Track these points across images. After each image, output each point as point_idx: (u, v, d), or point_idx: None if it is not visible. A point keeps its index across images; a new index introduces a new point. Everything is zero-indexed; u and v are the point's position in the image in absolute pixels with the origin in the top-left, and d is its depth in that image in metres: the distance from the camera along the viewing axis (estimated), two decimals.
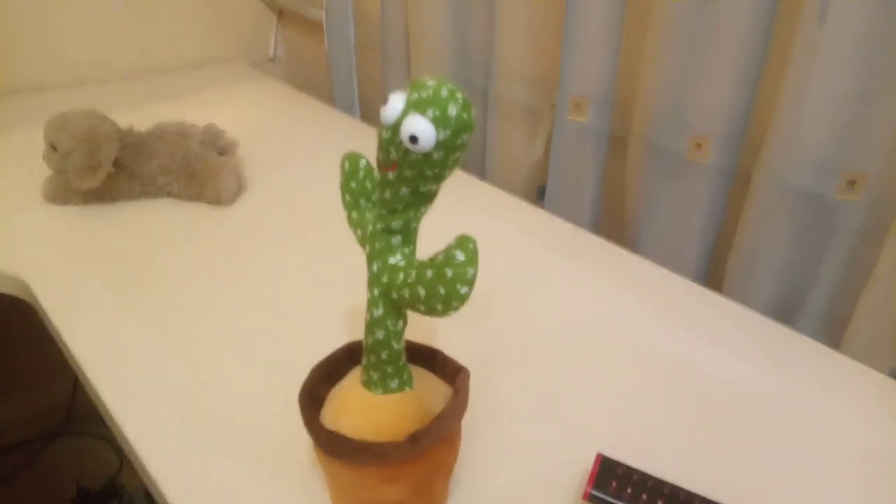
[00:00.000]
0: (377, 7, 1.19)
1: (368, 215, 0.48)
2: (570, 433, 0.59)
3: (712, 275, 0.87)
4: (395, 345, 0.46)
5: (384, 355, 0.46)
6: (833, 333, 0.77)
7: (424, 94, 0.39)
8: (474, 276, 0.39)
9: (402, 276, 0.43)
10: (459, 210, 0.94)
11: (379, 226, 0.44)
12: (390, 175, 0.41)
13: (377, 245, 0.45)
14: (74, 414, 1.57)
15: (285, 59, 1.60)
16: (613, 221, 0.97)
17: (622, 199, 0.92)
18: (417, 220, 0.44)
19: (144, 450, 0.57)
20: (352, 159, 0.49)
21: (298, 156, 1.09)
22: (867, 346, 0.71)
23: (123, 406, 0.61)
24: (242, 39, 1.53)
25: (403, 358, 0.48)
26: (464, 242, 0.40)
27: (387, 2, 1.14)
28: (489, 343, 0.70)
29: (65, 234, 0.86)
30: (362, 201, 0.48)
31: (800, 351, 0.70)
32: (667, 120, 0.81)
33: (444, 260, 0.40)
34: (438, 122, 0.38)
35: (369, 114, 1.38)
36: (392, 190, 0.42)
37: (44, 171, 0.93)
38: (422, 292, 0.41)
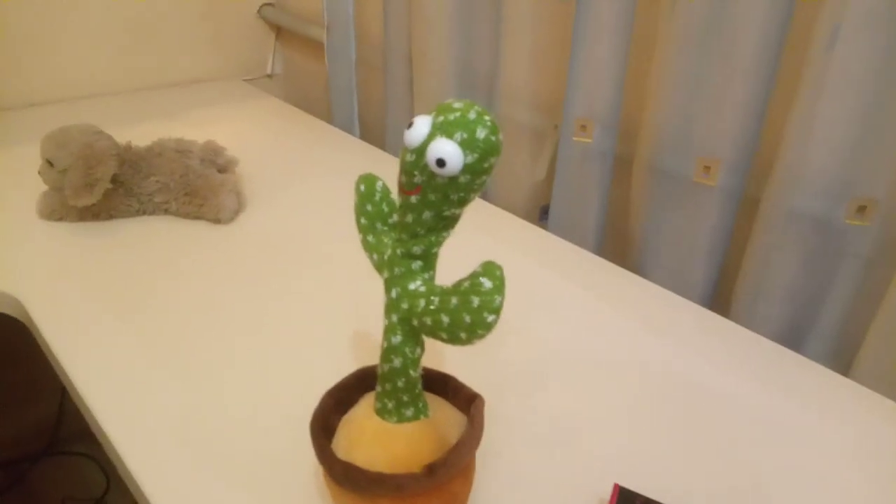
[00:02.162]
0: (379, 27, 1.18)
1: (386, 239, 0.47)
2: (583, 461, 0.58)
3: (719, 299, 0.87)
4: (412, 372, 0.45)
5: (400, 383, 0.45)
6: (842, 359, 0.76)
7: (452, 117, 0.38)
8: (501, 304, 0.38)
9: (423, 302, 0.42)
10: (461, 230, 0.92)
11: (399, 250, 0.43)
12: (413, 199, 0.40)
13: (396, 270, 0.44)
14: (61, 433, 1.53)
15: (283, 77, 1.59)
16: (618, 244, 0.97)
17: (627, 222, 0.92)
18: (439, 244, 0.43)
19: (143, 478, 0.55)
20: (368, 181, 0.48)
21: (298, 174, 1.08)
22: (878, 372, 0.70)
23: (120, 430, 0.59)
24: (241, 56, 1.52)
25: (420, 386, 0.47)
26: (491, 269, 0.39)
27: (389, 22, 1.14)
28: (493, 367, 0.68)
29: (60, 252, 0.84)
30: (378, 225, 0.47)
31: (809, 377, 0.69)
32: (674, 142, 0.81)
33: (469, 287, 0.39)
34: (466, 145, 0.37)
35: (368, 133, 1.37)
36: (414, 214, 0.41)
37: (39, 187, 0.91)
38: (445, 320, 0.40)
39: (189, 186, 0.91)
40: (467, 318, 0.38)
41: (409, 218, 0.41)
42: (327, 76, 1.34)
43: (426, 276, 0.44)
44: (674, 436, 0.61)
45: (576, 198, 0.94)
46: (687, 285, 0.85)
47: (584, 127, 0.88)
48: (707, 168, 0.78)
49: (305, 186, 1.04)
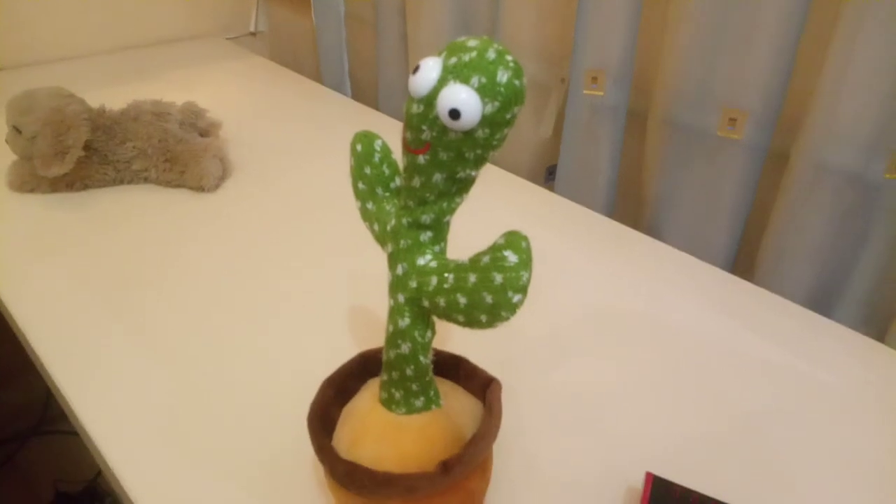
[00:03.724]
0: None
1: (387, 207, 0.40)
2: (607, 445, 0.53)
3: (742, 263, 0.81)
4: (422, 359, 0.39)
5: (409, 371, 0.40)
6: (876, 325, 0.71)
7: (467, 58, 0.32)
8: (528, 282, 0.32)
9: (435, 280, 0.36)
10: None
11: (405, 220, 0.37)
12: (421, 159, 0.34)
13: (402, 243, 0.38)
14: (51, 412, 1.49)
15: (268, 34, 1.51)
16: (631, 205, 0.91)
17: (641, 181, 0.86)
18: (451, 212, 0.37)
19: (124, 473, 0.49)
20: (365, 140, 0.41)
21: (287, 137, 1.01)
22: None
23: (98, 418, 0.53)
24: (222, 13, 1.43)
25: (431, 373, 0.41)
26: (515, 241, 0.33)
27: None
28: (505, 342, 0.63)
29: (32, 225, 0.78)
30: (379, 190, 0.41)
31: (842, 344, 0.64)
32: (694, 94, 0.74)
33: (490, 262, 0.33)
34: (485, 91, 0.31)
35: (361, 92, 1.29)
36: (423, 177, 0.35)
37: (8, 157, 0.84)
38: (462, 301, 0.34)
39: (169, 152, 0.85)
40: (489, 299, 0.32)
41: (417, 181, 0.35)
42: (314, 32, 1.26)
43: (437, 248, 0.38)
44: (704, 412, 0.56)
45: (585, 156, 0.87)
46: (707, 248, 0.79)
47: (594, 79, 0.82)
48: (733, 120, 0.72)
49: (294, 150, 0.97)
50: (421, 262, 0.37)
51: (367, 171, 0.41)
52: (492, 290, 0.32)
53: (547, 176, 0.98)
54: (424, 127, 0.33)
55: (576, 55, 0.82)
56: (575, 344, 0.63)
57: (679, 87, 0.75)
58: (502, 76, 0.31)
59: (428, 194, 0.35)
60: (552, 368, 0.60)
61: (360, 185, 0.42)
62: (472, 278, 0.33)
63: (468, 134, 0.32)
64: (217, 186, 0.87)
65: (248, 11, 1.47)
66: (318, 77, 1.29)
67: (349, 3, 1.23)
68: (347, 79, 1.29)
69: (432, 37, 1.00)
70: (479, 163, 0.34)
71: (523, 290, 0.32)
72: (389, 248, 0.39)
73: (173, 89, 1.14)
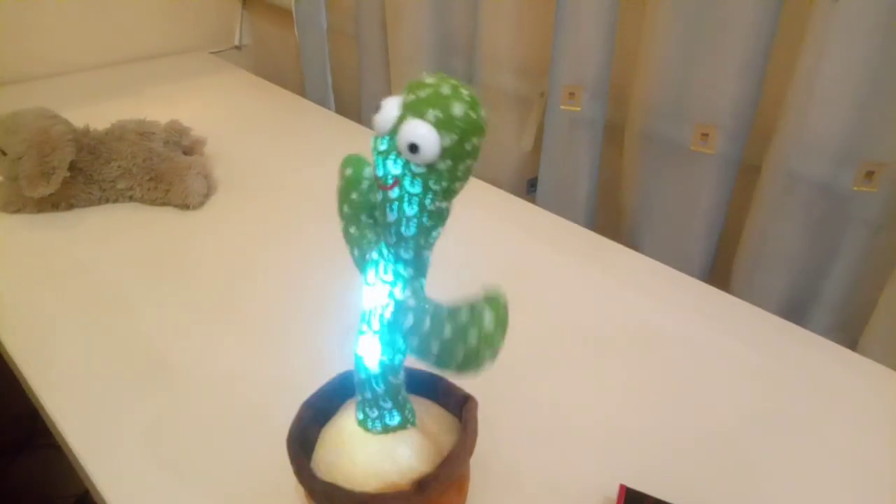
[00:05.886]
0: None
1: (370, 235, 0.41)
2: (583, 458, 0.54)
3: (718, 273, 0.83)
4: (391, 379, 0.40)
5: (380, 390, 0.41)
6: (849, 333, 0.73)
7: (423, 94, 0.33)
8: (501, 345, 0.33)
9: (411, 318, 0.37)
10: None
11: (385, 251, 0.38)
12: (392, 194, 0.35)
13: (382, 274, 0.39)
14: (41, 425, 1.48)
15: (252, 48, 1.52)
16: (610, 217, 0.92)
17: (619, 193, 0.87)
18: (429, 246, 0.38)
19: (109, 492, 0.50)
20: (356, 165, 0.42)
21: (271, 153, 1.02)
22: (887, 346, 0.67)
23: (82, 435, 0.54)
24: (205, 27, 1.44)
25: (403, 391, 0.42)
26: (494, 302, 0.34)
27: None
28: None
29: (18, 246, 0.79)
30: (363, 216, 0.42)
31: (815, 352, 0.66)
32: (669, 108, 0.76)
33: (469, 320, 0.34)
34: (442, 125, 0.32)
35: (344, 106, 1.31)
36: (396, 212, 0.36)
37: None
38: (435, 348, 0.35)
39: (153, 171, 0.86)
40: (460, 355, 0.34)
41: (391, 216, 0.36)
42: (298, 46, 1.27)
43: (417, 285, 0.39)
44: (680, 422, 0.57)
45: (565, 169, 0.89)
46: (684, 259, 0.81)
47: (572, 94, 0.83)
48: (705, 135, 0.73)
49: (279, 166, 0.98)
50: (400, 297, 0.38)
51: (354, 196, 0.42)
52: (465, 348, 0.34)
53: (528, 188, 1.00)
54: (389, 163, 0.34)
55: (553, 71, 0.83)
56: (554, 355, 0.64)
57: (654, 102, 0.77)
58: (458, 109, 0.33)
59: (403, 228, 0.37)
60: (531, 380, 0.61)
61: (346, 209, 0.43)
62: (448, 330, 0.34)
63: (431, 167, 0.33)
64: (202, 203, 0.87)
65: (233, 25, 1.48)
66: (302, 91, 1.30)
67: (332, 16, 1.25)
68: (331, 92, 1.30)
69: (412, 50, 1.01)
70: (447, 194, 0.35)
71: (495, 354, 0.33)
72: (370, 277, 0.40)
73: (157, 105, 1.15)
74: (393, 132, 0.33)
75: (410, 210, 0.35)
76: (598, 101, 0.83)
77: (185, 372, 0.61)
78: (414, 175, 0.34)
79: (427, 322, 0.36)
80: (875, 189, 0.67)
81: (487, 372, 0.61)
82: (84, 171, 0.85)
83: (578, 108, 0.83)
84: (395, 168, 0.34)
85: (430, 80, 0.34)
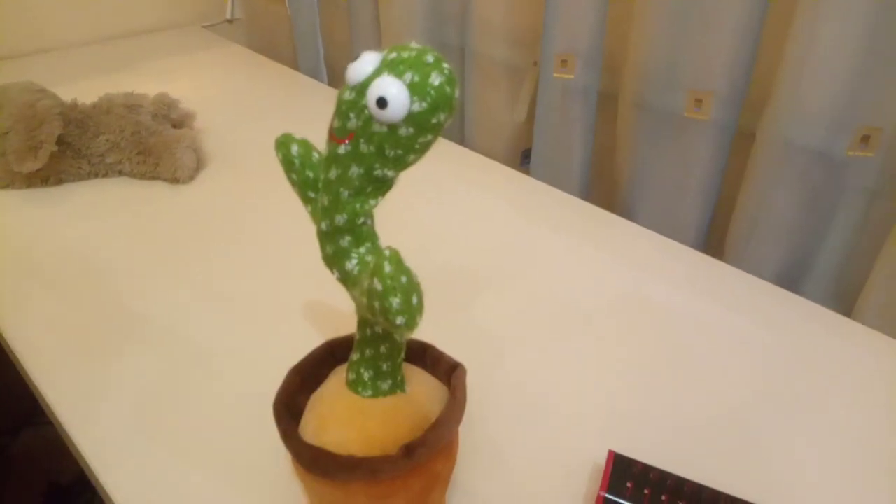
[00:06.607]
0: None
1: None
2: (573, 427, 0.54)
3: (713, 241, 0.82)
4: (397, 337, 0.40)
5: (384, 349, 0.40)
6: (844, 300, 0.73)
7: (405, 55, 0.32)
8: (403, 304, 0.32)
9: (363, 286, 0.36)
10: (437, 179, 0.87)
11: (323, 224, 0.38)
12: (342, 149, 0.35)
13: (328, 249, 0.39)
14: (39, 404, 1.49)
15: (244, 22, 1.50)
16: (605, 186, 0.91)
17: (613, 162, 0.86)
18: (365, 213, 0.37)
19: (96, 461, 0.50)
20: (283, 147, 0.41)
21: (262, 126, 1.01)
22: (882, 312, 0.66)
23: (73, 412, 0.54)
24: (197, 1, 1.42)
25: (402, 356, 0.42)
26: (378, 268, 0.32)
27: None
28: (474, 326, 0.64)
29: (7, 221, 0.78)
30: (311, 193, 0.41)
31: (810, 320, 0.65)
32: (662, 75, 0.75)
33: (368, 288, 0.33)
34: (416, 89, 0.32)
35: (336, 78, 1.29)
36: (340, 168, 0.35)
37: None
38: (375, 306, 0.34)
39: (142, 144, 0.85)
40: (383, 319, 0.33)
41: (334, 173, 0.35)
42: (290, 18, 1.25)
43: (360, 251, 0.38)
44: (675, 395, 0.57)
45: (558, 139, 0.88)
46: (679, 228, 0.80)
47: (564, 62, 0.82)
48: (699, 101, 0.72)
49: (271, 140, 0.96)
50: (348, 266, 0.38)
51: (294, 177, 0.41)
52: (382, 313, 0.33)
53: (522, 159, 0.99)
54: (352, 115, 0.34)
55: (546, 39, 0.82)
56: (548, 325, 0.64)
57: (647, 70, 0.76)
58: (435, 79, 0.32)
59: (342, 189, 0.36)
60: (524, 349, 0.61)
61: (297, 191, 0.42)
62: (366, 299, 0.34)
63: (392, 129, 0.33)
64: (192, 178, 0.87)
65: None
66: (294, 64, 1.28)
67: None
68: (323, 65, 1.28)
69: (405, 20, 1.00)
70: (398, 164, 0.35)
71: (402, 313, 0.32)
72: (327, 250, 0.39)
73: (149, 81, 1.14)
74: (364, 84, 0.33)
75: (356, 169, 0.35)
76: (592, 69, 0.82)
77: (174, 344, 0.61)
78: (371, 134, 0.33)
79: (365, 284, 0.35)
80: (871, 154, 0.66)
81: (478, 345, 0.61)
82: (72, 146, 0.84)
83: (571, 76, 0.82)
84: (355, 121, 0.33)
85: (415, 45, 0.33)
